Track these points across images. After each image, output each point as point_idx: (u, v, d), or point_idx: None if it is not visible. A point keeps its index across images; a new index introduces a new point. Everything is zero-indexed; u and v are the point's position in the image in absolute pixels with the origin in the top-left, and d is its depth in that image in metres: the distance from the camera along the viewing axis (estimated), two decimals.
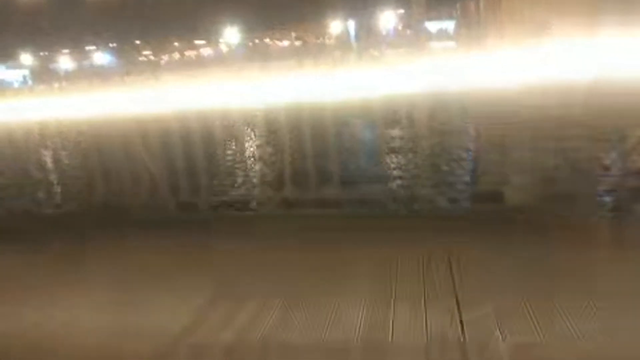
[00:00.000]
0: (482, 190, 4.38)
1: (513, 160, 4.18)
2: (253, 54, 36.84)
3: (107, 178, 4.57)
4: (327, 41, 39.93)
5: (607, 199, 4.02)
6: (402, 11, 35.23)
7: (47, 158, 4.96)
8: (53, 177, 4.88)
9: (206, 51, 41.57)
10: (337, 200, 4.19)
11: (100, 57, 39.83)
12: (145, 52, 40.04)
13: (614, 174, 4.05)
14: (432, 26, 27.24)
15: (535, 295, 2.67)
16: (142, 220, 4.20)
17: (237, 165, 4.88)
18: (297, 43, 43.05)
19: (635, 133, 3.96)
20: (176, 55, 40.57)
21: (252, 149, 5.66)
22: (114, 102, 5.20)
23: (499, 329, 2.43)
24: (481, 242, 3.37)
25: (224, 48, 41.33)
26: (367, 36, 36.35)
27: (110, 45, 40.11)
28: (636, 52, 4.04)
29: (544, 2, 7.31)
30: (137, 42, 39.39)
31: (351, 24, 38.89)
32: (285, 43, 43.55)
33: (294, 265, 3.30)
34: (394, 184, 4.87)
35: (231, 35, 39.31)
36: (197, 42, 41.42)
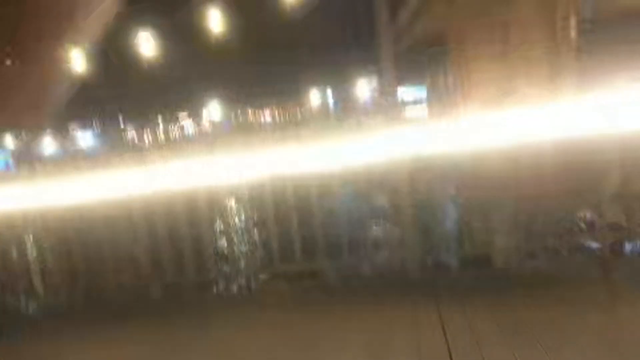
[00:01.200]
0: (468, 253, 4.43)
1: (495, 221, 4.27)
2: (236, 127, 37.72)
3: (90, 265, 4.52)
4: (306, 111, 41.24)
5: (588, 255, 4.10)
6: (375, 80, 36.70)
7: (30, 248, 4.90)
8: (35, 267, 4.79)
9: (189, 127, 42.44)
10: (324, 270, 4.19)
11: (84, 138, 40.24)
12: (129, 131, 40.71)
13: (593, 230, 4.15)
14: (405, 93, 28.47)
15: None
16: (126, 305, 4.11)
17: (223, 242, 4.87)
18: (278, 114, 44.35)
19: (606, 189, 4.11)
20: (160, 133, 41.29)
21: (237, 225, 5.66)
22: (98, 185, 5.22)
23: None
24: (472, 305, 3.37)
25: (206, 123, 42.31)
26: (345, 105, 37.69)
27: (94, 125, 40.65)
28: (596, 113, 4.29)
29: (507, 69, 7.77)
30: (121, 120, 40.06)
31: (329, 94, 40.37)
32: (267, 115, 44.85)
33: (286, 339, 3.24)
34: (380, 252, 4.89)
35: (213, 110, 40.46)
36: (180, 118, 42.39)
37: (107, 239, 4.55)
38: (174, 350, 3.39)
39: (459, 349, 2.85)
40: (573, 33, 8.16)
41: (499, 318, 3.17)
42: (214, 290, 4.44)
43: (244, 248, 5.14)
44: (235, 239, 5.15)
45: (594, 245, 4.10)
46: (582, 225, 4.46)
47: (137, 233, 4.56)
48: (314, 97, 43.50)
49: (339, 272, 4.23)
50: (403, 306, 3.47)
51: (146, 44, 23.20)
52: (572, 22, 8.14)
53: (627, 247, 3.91)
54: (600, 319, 3.02)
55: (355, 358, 2.91)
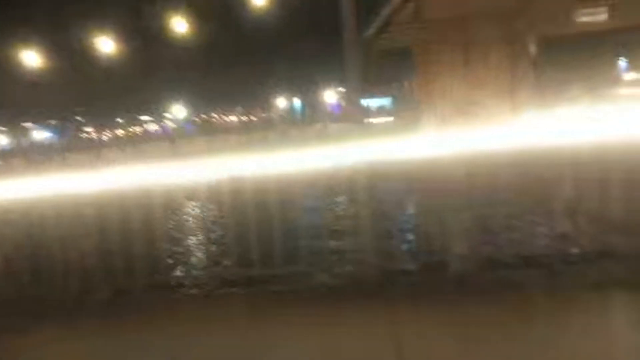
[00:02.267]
0: (423, 260, 4.46)
1: (452, 228, 4.31)
2: (199, 129, 37.27)
3: (38, 264, 4.29)
4: (273, 116, 41.22)
5: (539, 263, 4.20)
6: (342, 89, 37.33)
7: None
8: None
9: (151, 127, 41.49)
10: (279, 275, 4.12)
11: (40, 134, 38.84)
12: (87, 129, 39.41)
13: (545, 238, 4.27)
14: (372, 103, 29.05)
15: None
16: (76, 306, 3.94)
17: (177, 244, 4.73)
18: (244, 118, 44.02)
19: (558, 200, 4.24)
20: (119, 132, 40.19)
21: (193, 227, 5.51)
22: (53, 181, 4.99)
23: None
24: (426, 313, 3.39)
25: (169, 124, 41.49)
26: (312, 112, 37.96)
27: (51, 122, 39.38)
28: (551, 125, 4.44)
29: (469, 83, 7.99)
30: (79, 118, 38.87)
31: (296, 101, 40.56)
32: (233, 118, 44.44)
33: (234, 346, 3.16)
34: (338, 257, 4.87)
35: (177, 111, 39.79)
36: (141, 117, 41.37)
37: (56, 237, 4.33)
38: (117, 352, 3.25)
39: (411, 353, 2.86)
40: (531, 49, 8.52)
41: (451, 324, 3.20)
42: (166, 293, 4.29)
43: (199, 251, 5.02)
44: (190, 242, 5.01)
45: (545, 253, 4.21)
46: (535, 233, 4.57)
47: (88, 232, 4.37)
48: (281, 102, 43.44)
49: (294, 277, 4.17)
50: (357, 313, 3.45)
51: (110, 45, 22.71)
52: (530, 39, 8.50)
53: (575, 256, 4.03)
54: (548, 326, 3.09)
55: None
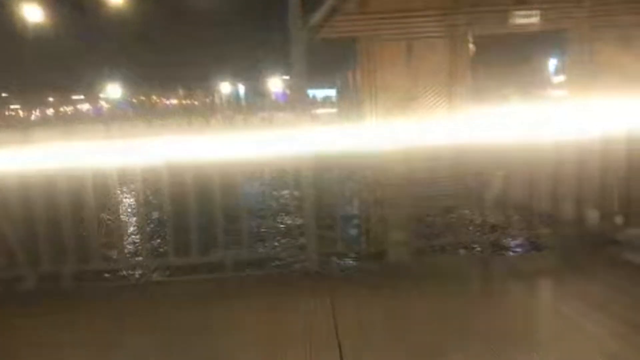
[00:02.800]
0: (365, 248, 4.53)
1: (393, 216, 4.41)
2: (138, 110, 35.66)
3: None
4: (216, 101, 40.23)
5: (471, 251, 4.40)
6: (288, 77, 36.96)
7: None
8: None
9: (84, 107, 39.26)
10: (219, 263, 4.05)
11: None
12: (13, 106, 36.66)
13: (477, 229, 4.47)
14: (317, 93, 29.11)
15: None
16: None
17: (110, 230, 4.52)
18: (186, 102, 42.69)
19: (491, 194, 4.45)
20: (50, 110, 37.69)
21: (128, 211, 5.29)
22: None
23: None
24: (367, 299, 3.46)
25: (104, 104, 39.37)
26: (256, 99, 37.47)
27: None
28: (486, 121, 4.63)
29: (410, 76, 8.20)
30: (4, 94, 36.11)
31: (241, 87, 39.82)
32: (174, 101, 42.93)
33: (174, 333, 3.09)
34: (279, 244, 4.86)
35: (113, 91, 37.75)
36: (74, 97, 38.98)
37: None
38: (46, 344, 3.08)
39: (347, 336, 2.90)
40: (469, 47, 8.89)
41: (386, 308, 3.29)
42: (98, 281, 4.09)
43: (135, 237, 4.82)
44: (126, 227, 4.80)
45: (477, 242, 4.41)
46: (468, 224, 4.78)
47: (13, 215, 4.07)
48: (225, 88, 42.49)
49: (235, 264, 4.11)
50: (298, 298, 3.46)
51: (39, 14, 21.06)
52: (468, 37, 8.88)
53: (504, 245, 4.25)
54: (478, 309, 3.24)
55: (245, 348, 2.85)
